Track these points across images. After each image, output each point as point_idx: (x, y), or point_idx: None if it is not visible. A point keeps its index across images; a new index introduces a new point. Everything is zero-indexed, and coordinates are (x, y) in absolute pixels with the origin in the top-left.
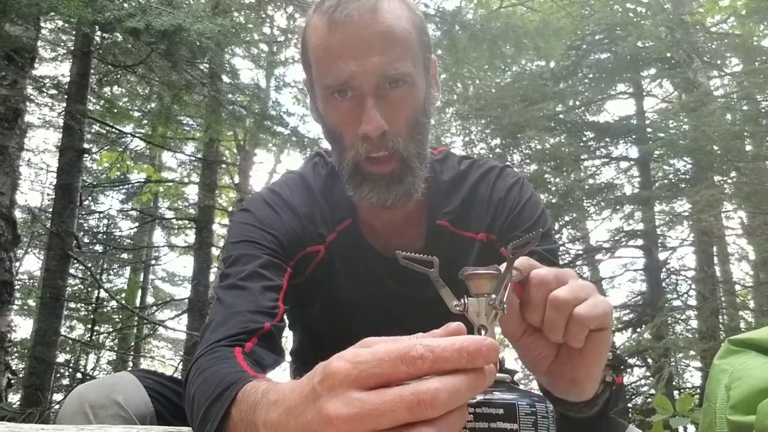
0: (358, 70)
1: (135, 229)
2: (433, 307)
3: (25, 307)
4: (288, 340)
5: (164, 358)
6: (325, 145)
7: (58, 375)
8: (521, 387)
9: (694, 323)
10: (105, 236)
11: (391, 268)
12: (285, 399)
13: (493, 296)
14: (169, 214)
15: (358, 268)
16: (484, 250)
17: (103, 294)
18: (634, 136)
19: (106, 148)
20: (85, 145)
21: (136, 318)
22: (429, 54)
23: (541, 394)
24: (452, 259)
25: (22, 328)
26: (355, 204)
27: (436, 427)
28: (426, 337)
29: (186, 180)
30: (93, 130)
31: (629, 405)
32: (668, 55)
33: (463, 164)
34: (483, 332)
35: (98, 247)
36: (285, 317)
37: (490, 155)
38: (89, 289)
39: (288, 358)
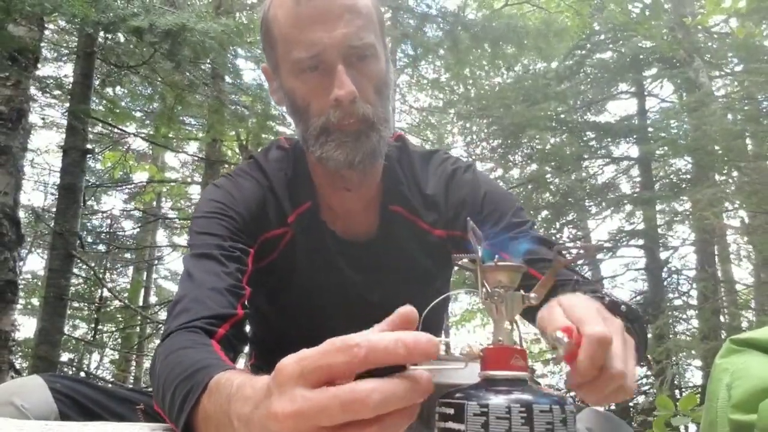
0: (328, 42)
1: (138, 229)
2: (384, 293)
3: (29, 307)
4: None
5: None
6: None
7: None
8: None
9: (695, 323)
10: (108, 236)
11: (347, 253)
12: (255, 395)
13: (521, 292)
14: (172, 214)
15: (318, 251)
16: (442, 245)
17: (106, 293)
18: (635, 136)
19: (109, 148)
20: (89, 146)
21: (139, 317)
22: (384, 34)
23: (561, 394)
24: (405, 246)
25: (26, 327)
26: (315, 186)
27: (372, 428)
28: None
29: (189, 180)
30: (96, 131)
31: (630, 404)
32: (670, 55)
33: (420, 153)
34: (512, 326)
35: (101, 247)
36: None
37: (492, 155)
38: (92, 288)
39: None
